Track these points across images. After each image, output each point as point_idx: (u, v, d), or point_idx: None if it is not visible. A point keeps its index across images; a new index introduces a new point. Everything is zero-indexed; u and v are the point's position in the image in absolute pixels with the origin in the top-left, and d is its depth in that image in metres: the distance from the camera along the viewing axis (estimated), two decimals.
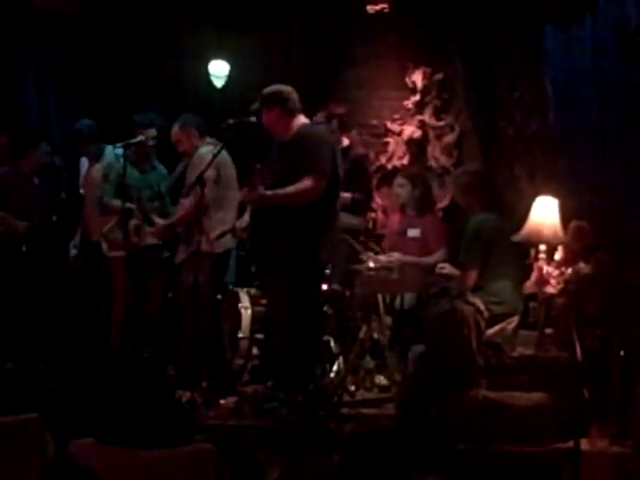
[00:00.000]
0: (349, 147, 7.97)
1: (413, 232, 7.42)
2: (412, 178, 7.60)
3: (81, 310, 7.66)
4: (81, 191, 8.12)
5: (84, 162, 8.20)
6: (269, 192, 6.16)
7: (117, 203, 7.31)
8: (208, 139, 7.15)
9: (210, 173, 6.72)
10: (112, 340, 7.24)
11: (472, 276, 6.47)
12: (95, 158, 7.91)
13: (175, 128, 7.23)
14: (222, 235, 6.95)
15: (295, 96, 6.37)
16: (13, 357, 7.13)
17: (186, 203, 6.96)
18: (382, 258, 7.13)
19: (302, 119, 6.40)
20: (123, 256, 7.27)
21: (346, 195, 7.09)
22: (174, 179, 7.63)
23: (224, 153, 6.95)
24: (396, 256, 7.10)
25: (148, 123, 7.51)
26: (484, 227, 6.53)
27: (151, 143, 7.48)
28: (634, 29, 6.94)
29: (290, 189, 6.08)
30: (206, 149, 7.01)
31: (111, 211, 7.42)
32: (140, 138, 7.38)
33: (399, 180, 7.67)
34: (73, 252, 7.98)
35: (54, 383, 6.36)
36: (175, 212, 7.35)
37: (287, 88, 6.41)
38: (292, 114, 6.34)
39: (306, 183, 6.06)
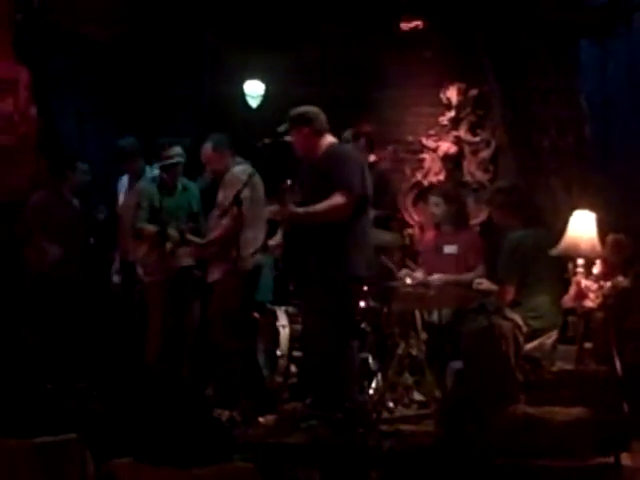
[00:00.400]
0: (375, 163, 7.99)
1: (449, 249, 7.40)
2: (446, 195, 7.60)
3: (120, 331, 7.70)
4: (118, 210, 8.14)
5: (123, 182, 8.22)
6: (300, 209, 6.19)
7: (150, 228, 7.36)
8: (238, 159, 7.19)
9: (246, 193, 6.75)
10: (149, 360, 7.26)
11: (510, 292, 6.45)
12: (137, 176, 7.93)
13: (207, 148, 7.25)
14: (254, 253, 6.98)
15: (323, 117, 6.42)
16: (53, 378, 7.17)
17: (223, 223, 6.99)
18: (419, 275, 7.13)
19: (329, 138, 6.45)
20: (159, 280, 7.31)
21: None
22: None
23: (256, 173, 6.99)
24: (436, 276, 7.07)
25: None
26: (522, 243, 6.50)
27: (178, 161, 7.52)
28: None
29: (321, 206, 6.11)
30: (239, 168, 7.07)
31: (145, 236, 7.45)
32: (177, 159, 7.44)
33: (433, 199, 7.67)
34: (116, 279, 8.00)
35: (94, 403, 6.40)
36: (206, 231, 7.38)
37: (314, 109, 6.46)
38: (320, 134, 6.39)
39: (337, 199, 6.09)
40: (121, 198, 8.19)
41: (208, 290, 7.30)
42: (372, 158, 7.94)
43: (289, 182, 6.23)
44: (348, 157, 6.34)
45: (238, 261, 6.70)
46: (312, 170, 6.33)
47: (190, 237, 7.33)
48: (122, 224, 7.94)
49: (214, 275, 7.18)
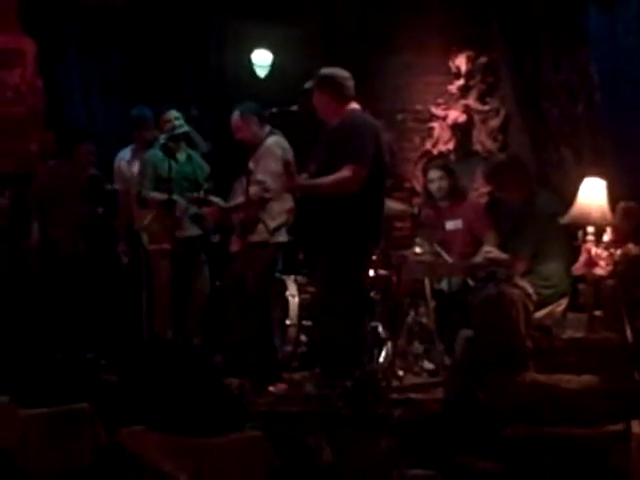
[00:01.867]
0: None
1: (452, 224, 7.25)
2: (447, 168, 7.41)
3: (129, 300, 7.70)
4: (116, 186, 8.08)
5: (122, 154, 8.15)
6: (308, 182, 6.16)
7: (157, 195, 7.35)
8: (268, 127, 7.04)
9: (276, 167, 6.67)
10: (158, 330, 7.26)
11: (524, 262, 6.38)
12: (146, 145, 7.87)
13: (235, 116, 7.08)
14: (280, 227, 6.90)
15: (350, 83, 6.26)
16: (62, 348, 7.19)
17: (251, 192, 6.85)
18: (428, 245, 7.08)
19: (352, 105, 6.30)
20: (164, 249, 7.28)
21: None
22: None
23: (287, 144, 6.94)
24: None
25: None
26: (539, 215, 6.41)
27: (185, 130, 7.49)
28: None
29: (328, 179, 6.05)
30: (272, 140, 6.90)
31: (150, 204, 7.43)
32: (186, 129, 7.42)
33: (434, 173, 7.42)
34: (124, 258, 7.96)
35: (104, 373, 6.42)
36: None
37: (344, 73, 6.30)
38: (343, 101, 6.24)
39: (344, 173, 6.01)
40: (124, 168, 8.11)
41: (228, 258, 7.23)
42: None
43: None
44: (363, 127, 6.17)
45: (262, 233, 6.68)
46: (329, 138, 6.26)
47: (212, 198, 7.20)
48: (128, 194, 7.88)
49: (235, 246, 7.06)
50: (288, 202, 6.86)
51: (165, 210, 7.20)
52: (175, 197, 7.24)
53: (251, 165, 6.74)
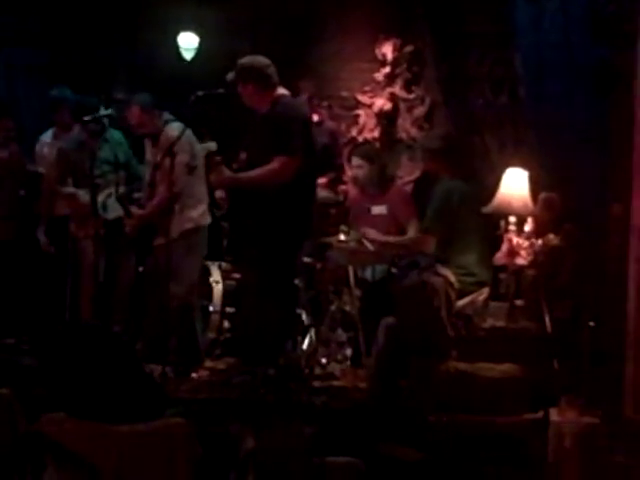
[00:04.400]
0: (321, 122, 7.91)
1: (378, 209, 7.21)
2: (368, 156, 7.36)
3: (51, 286, 7.60)
4: (39, 169, 7.94)
5: (45, 137, 8.01)
6: (237, 175, 6.13)
7: (67, 189, 7.28)
8: (166, 115, 6.95)
9: (183, 158, 6.59)
10: (82, 315, 7.19)
11: (431, 242, 6.23)
12: (66, 127, 7.75)
13: (134, 110, 6.91)
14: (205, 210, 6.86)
15: (272, 70, 6.20)
16: None
17: (160, 190, 6.78)
18: (354, 233, 7.10)
19: (280, 92, 6.26)
20: (90, 234, 7.19)
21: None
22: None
23: (190, 132, 6.83)
24: (372, 234, 6.95)
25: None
26: (450, 195, 6.29)
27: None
28: (604, 1, 6.95)
29: (258, 171, 6.02)
30: (172, 130, 6.64)
31: (61, 196, 7.37)
32: (108, 111, 7.30)
33: (355, 160, 7.39)
34: (42, 239, 7.81)
35: (24, 358, 6.34)
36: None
37: (264, 62, 6.23)
38: (267, 89, 6.20)
39: (274, 165, 5.98)
40: (45, 151, 7.97)
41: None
42: (316, 117, 7.83)
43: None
44: (293, 116, 6.15)
45: (188, 221, 6.63)
46: (259, 127, 6.22)
47: (135, 210, 7.11)
48: (48, 178, 7.75)
49: (159, 239, 6.96)
50: (205, 185, 6.81)
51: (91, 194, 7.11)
52: (73, 190, 7.17)
53: (156, 158, 6.62)
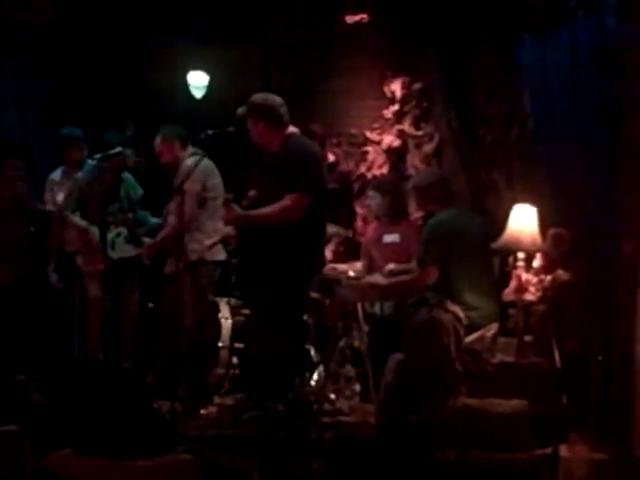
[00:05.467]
0: (335, 163, 7.96)
1: (390, 237, 7.35)
2: (379, 188, 7.53)
3: (60, 322, 7.61)
4: (48, 207, 7.98)
5: (55, 175, 8.04)
6: (248, 212, 6.15)
7: (77, 221, 7.30)
8: (191, 149, 7.05)
9: (193, 186, 6.65)
10: (89, 351, 7.20)
11: (432, 272, 6.12)
12: (76, 165, 7.80)
13: (157, 140, 7.16)
14: (215, 244, 6.89)
15: (284, 110, 6.25)
16: None
17: (170, 219, 6.88)
18: (359, 266, 7.13)
19: (290, 129, 6.31)
20: (98, 270, 7.22)
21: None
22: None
23: (209, 163, 6.91)
24: (376, 279, 6.92)
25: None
26: (443, 224, 6.22)
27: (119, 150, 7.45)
28: (611, 39, 6.98)
29: (270, 209, 6.06)
30: (191, 161, 6.82)
31: (70, 225, 7.40)
32: (118, 149, 7.36)
33: (369, 192, 7.64)
34: (53, 278, 7.83)
35: (33, 395, 6.34)
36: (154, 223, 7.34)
37: (277, 101, 6.28)
38: (277, 128, 6.24)
39: (286, 202, 6.02)
40: (55, 189, 8.01)
41: (160, 279, 7.21)
42: (331, 158, 7.90)
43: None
44: (305, 154, 6.20)
45: (195, 253, 6.66)
46: (269, 164, 6.25)
47: (144, 240, 7.22)
48: (59, 215, 7.79)
49: (169, 268, 7.03)
50: (221, 220, 6.85)
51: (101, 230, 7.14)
52: (86, 225, 7.21)
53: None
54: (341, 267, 7.24)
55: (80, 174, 7.57)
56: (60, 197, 7.79)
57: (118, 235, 7.37)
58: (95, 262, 7.24)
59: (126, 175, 7.67)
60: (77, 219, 7.35)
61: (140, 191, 7.73)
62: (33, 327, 7.69)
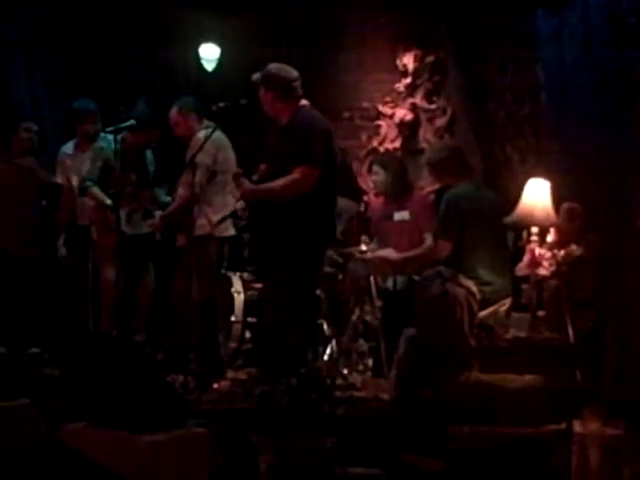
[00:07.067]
0: None
1: (400, 215, 7.25)
2: (383, 163, 7.43)
3: (73, 295, 7.62)
4: (59, 180, 7.96)
5: (67, 148, 8.02)
6: (258, 186, 6.14)
7: (98, 193, 7.27)
8: (206, 122, 7.00)
9: (204, 159, 6.62)
10: (103, 325, 7.20)
11: (445, 247, 6.26)
12: (89, 138, 7.77)
13: (173, 111, 7.07)
14: (224, 219, 6.86)
15: (297, 84, 6.19)
16: (5, 343, 7.11)
17: (180, 192, 6.85)
18: (373, 246, 7.10)
19: (302, 103, 6.25)
20: (112, 243, 7.19)
21: None
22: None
23: (221, 136, 6.86)
24: (388, 254, 6.95)
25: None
26: (460, 199, 6.30)
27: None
28: (625, 12, 6.92)
29: (280, 182, 6.03)
30: (203, 133, 6.75)
31: (90, 197, 7.37)
32: (131, 122, 7.32)
33: (373, 167, 7.52)
34: (62, 252, 7.84)
35: (46, 368, 6.35)
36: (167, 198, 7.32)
37: (291, 74, 6.22)
38: (287, 100, 6.19)
39: (295, 175, 5.99)
40: (67, 162, 7.99)
41: (173, 254, 7.20)
42: None
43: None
44: (313, 126, 6.14)
45: (205, 227, 6.64)
46: (279, 138, 6.22)
47: (155, 212, 7.19)
48: (71, 189, 7.77)
49: (181, 240, 7.03)
50: (230, 197, 6.83)
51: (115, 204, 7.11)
52: (106, 198, 7.20)
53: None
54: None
55: (101, 144, 7.50)
56: (72, 170, 7.76)
57: (135, 211, 7.34)
58: (111, 236, 7.20)
59: (146, 152, 7.64)
60: (98, 191, 7.30)
61: (152, 167, 7.69)
62: (47, 301, 7.70)
